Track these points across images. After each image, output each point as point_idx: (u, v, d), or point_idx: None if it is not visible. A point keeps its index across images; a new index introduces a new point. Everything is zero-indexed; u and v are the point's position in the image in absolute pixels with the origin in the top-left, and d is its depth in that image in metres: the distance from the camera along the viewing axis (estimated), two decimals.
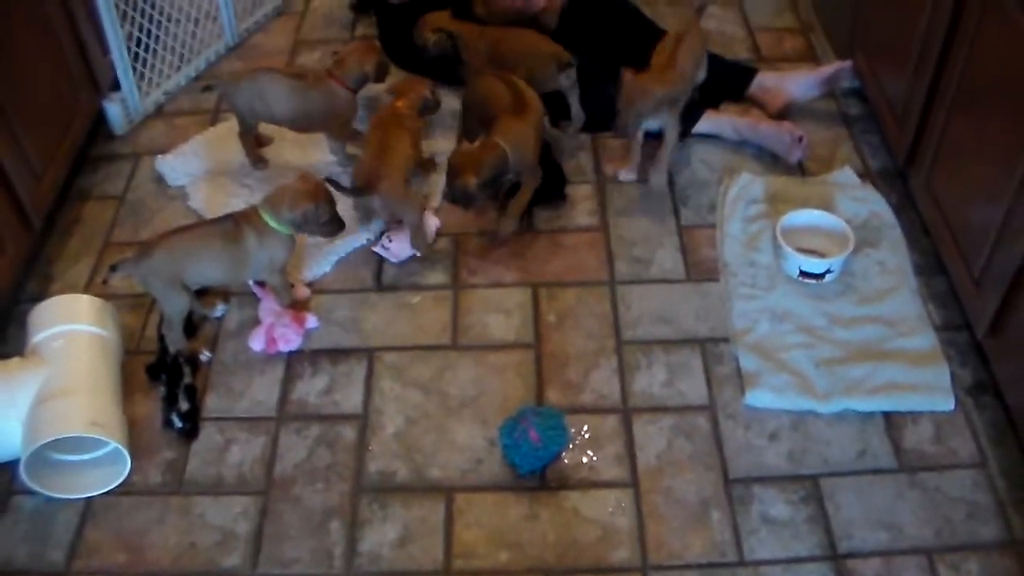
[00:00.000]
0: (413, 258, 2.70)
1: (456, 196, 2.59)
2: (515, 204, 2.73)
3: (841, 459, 2.21)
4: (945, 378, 2.33)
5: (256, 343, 2.48)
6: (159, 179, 2.99)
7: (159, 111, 3.28)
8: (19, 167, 2.53)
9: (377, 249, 2.71)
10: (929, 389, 2.31)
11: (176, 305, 2.41)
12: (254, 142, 2.98)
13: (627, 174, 2.91)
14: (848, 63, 3.06)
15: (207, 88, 2.88)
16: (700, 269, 2.65)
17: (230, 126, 3.13)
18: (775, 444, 2.24)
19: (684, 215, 2.80)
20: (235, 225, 2.38)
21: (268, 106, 2.83)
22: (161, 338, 2.49)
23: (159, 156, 3.04)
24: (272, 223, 2.36)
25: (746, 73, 3.17)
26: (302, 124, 2.85)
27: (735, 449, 2.24)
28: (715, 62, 3.19)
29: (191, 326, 2.53)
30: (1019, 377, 2.16)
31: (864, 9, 2.95)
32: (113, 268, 2.37)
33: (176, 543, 2.12)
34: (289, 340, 2.47)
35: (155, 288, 2.39)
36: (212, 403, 2.38)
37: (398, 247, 2.70)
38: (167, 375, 2.40)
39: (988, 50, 2.24)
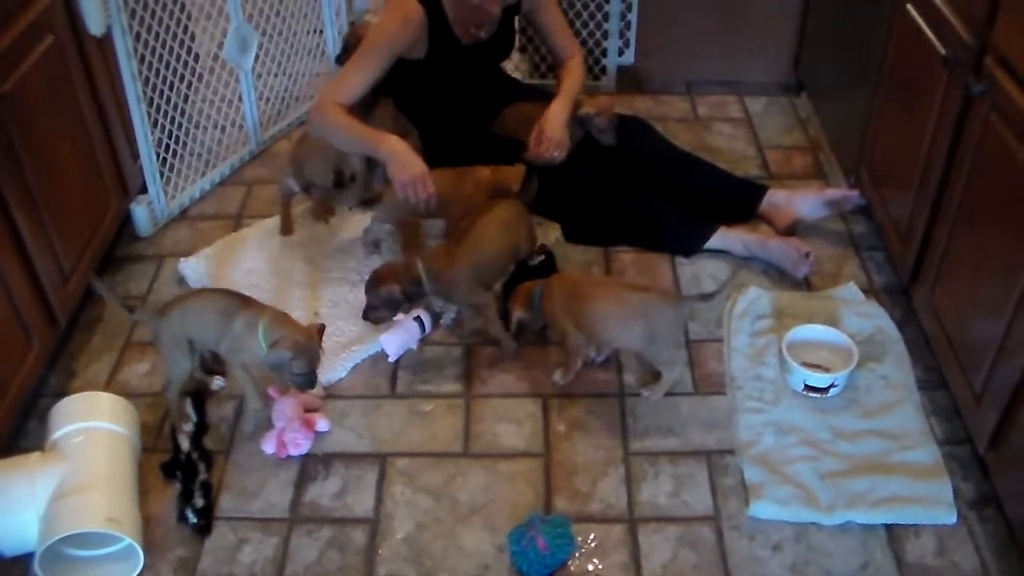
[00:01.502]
0: (425, 365, 2.78)
1: (369, 302, 2.72)
2: (494, 333, 2.79)
3: (844, 571, 2.23)
4: (947, 491, 2.37)
5: (268, 446, 2.53)
6: (181, 280, 3.08)
7: (183, 214, 3.40)
8: (49, 267, 2.63)
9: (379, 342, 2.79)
10: (932, 502, 2.34)
11: (178, 365, 2.52)
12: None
13: (559, 377, 2.72)
14: (856, 193, 3.15)
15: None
16: (707, 382, 2.71)
17: (252, 232, 3.24)
18: (778, 555, 2.27)
19: (692, 329, 2.86)
20: (239, 306, 2.47)
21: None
22: (174, 436, 2.56)
23: (182, 259, 3.13)
24: (260, 335, 2.43)
25: (757, 190, 3.27)
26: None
27: (739, 560, 2.27)
28: (727, 179, 3.30)
29: (201, 408, 2.63)
30: (1020, 491, 2.19)
31: (870, 130, 3.06)
32: (130, 309, 2.51)
33: None
34: (299, 444, 2.52)
35: (163, 344, 2.50)
36: (226, 503, 2.43)
37: (392, 344, 2.77)
38: (182, 472, 2.46)
39: (987, 174, 2.33)
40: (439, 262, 2.70)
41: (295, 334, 2.42)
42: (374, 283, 2.70)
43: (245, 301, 2.50)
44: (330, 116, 2.94)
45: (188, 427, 2.56)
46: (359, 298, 2.94)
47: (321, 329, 2.49)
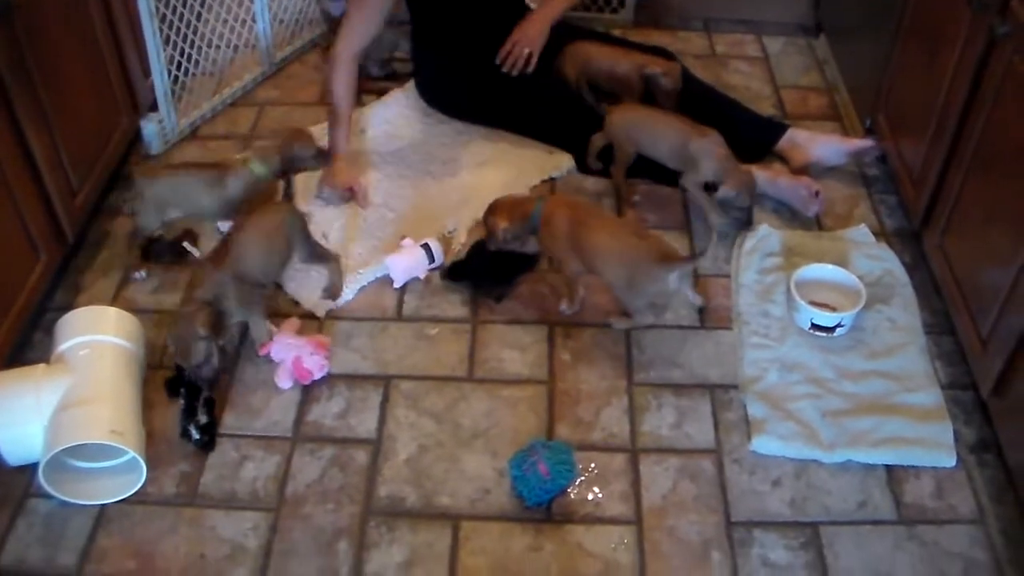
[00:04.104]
0: (431, 290, 2.78)
1: (194, 361, 2.40)
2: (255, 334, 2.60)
3: (842, 508, 2.25)
4: (948, 435, 2.37)
5: (285, 382, 2.51)
6: None
7: (194, 133, 3.38)
8: (58, 181, 2.62)
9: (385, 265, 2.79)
10: (932, 445, 2.35)
11: (147, 221, 2.75)
12: None
13: (565, 307, 2.72)
14: (877, 145, 3.13)
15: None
16: (714, 317, 2.70)
17: None
18: (778, 490, 2.28)
19: (701, 264, 2.84)
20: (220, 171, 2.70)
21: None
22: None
23: None
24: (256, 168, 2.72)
25: (778, 129, 3.24)
26: None
27: (738, 493, 2.28)
28: (748, 115, 3.28)
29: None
30: (1021, 437, 2.20)
31: (887, 74, 3.02)
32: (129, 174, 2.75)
33: (186, 553, 2.17)
34: (323, 366, 2.51)
35: (142, 202, 2.71)
36: (229, 420, 2.44)
37: (398, 267, 2.77)
38: (186, 388, 2.45)
39: (1006, 119, 2.30)
40: (206, 268, 2.45)
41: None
42: (190, 336, 2.35)
43: (218, 166, 2.75)
44: (332, 77, 3.06)
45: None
46: (369, 221, 2.95)
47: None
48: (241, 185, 2.71)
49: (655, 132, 2.92)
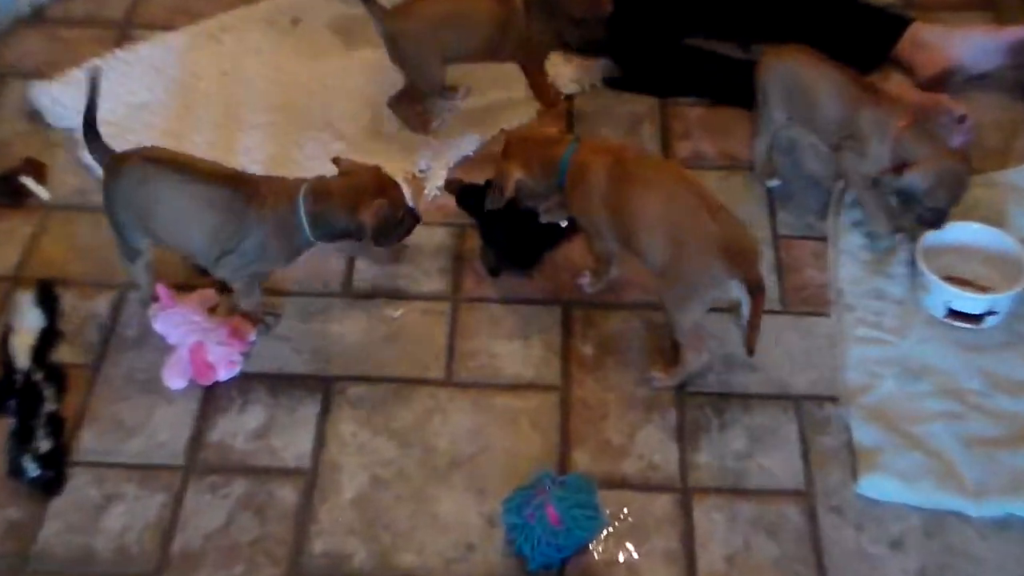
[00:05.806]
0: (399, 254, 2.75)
1: None
2: None
3: None
4: None
5: (176, 380, 2.49)
6: (33, 115, 3.05)
7: (38, 15, 3.37)
8: None
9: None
10: None
11: (434, 76, 3.00)
12: None
13: (587, 283, 2.74)
14: None
15: None
16: (801, 297, 2.70)
17: (145, 49, 3.22)
18: (900, 556, 2.25)
19: (782, 219, 2.85)
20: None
21: None
22: (4, 346, 2.52)
23: (35, 82, 3.09)
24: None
25: (896, 24, 3.22)
26: None
27: (840, 557, 2.25)
28: (853, 8, 3.26)
29: (51, 304, 2.59)
30: None
31: None
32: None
33: None
34: (233, 362, 2.49)
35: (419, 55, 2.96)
36: (88, 441, 2.41)
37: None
38: (18, 399, 2.41)
39: None
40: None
41: None
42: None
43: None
44: None
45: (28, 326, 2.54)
46: (304, 151, 2.95)
47: None
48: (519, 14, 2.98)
49: (816, 90, 2.78)
